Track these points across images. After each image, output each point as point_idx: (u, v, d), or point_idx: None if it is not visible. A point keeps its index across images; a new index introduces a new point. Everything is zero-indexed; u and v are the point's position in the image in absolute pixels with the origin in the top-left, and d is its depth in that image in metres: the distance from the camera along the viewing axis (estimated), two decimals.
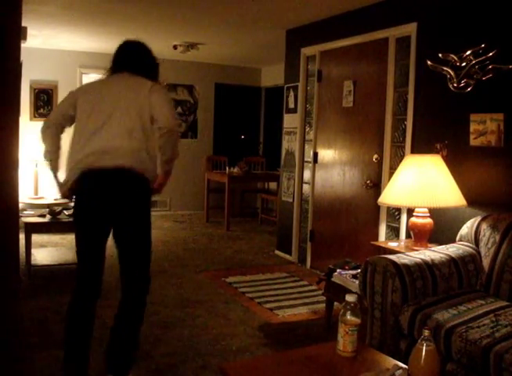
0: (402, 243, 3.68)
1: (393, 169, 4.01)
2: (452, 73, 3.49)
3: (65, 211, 4.79)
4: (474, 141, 3.42)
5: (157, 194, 2.68)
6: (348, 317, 2.00)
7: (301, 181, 5.37)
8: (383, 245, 3.63)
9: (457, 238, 3.14)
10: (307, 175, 5.28)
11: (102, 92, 2.58)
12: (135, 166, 2.45)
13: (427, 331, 1.75)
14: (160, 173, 2.58)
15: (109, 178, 2.46)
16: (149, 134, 2.50)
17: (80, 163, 2.52)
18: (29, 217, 4.71)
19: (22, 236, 4.02)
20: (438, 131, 3.72)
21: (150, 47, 2.74)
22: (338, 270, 3.40)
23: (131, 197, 2.49)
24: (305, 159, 5.30)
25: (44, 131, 2.81)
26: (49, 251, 5.14)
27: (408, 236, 3.83)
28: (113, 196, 2.47)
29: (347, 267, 3.43)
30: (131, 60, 2.65)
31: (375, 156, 4.36)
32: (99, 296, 2.67)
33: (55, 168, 2.79)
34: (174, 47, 6.55)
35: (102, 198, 2.47)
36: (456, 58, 3.45)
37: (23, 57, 3.13)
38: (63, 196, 2.79)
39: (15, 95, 2.79)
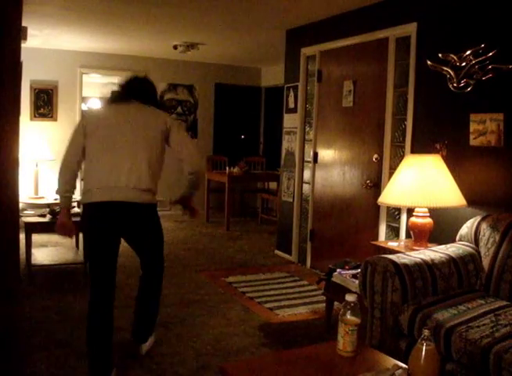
0: (402, 243, 3.68)
1: (393, 169, 4.01)
2: (452, 73, 3.49)
3: None
4: (473, 141, 3.42)
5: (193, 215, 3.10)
6: (348, 317, 2.00)
7: (301, 181, 5.37)
8: (383, 245, 3.63)
9: (457, 238, 3.15)
10: (307, 175, 5.28)
11: (116, 123, 2.74)
12: (146, 200, 2.70)
13: (426, 331, 1.75)
14: (188, 197, 2.96)
15: (122, 211, 2.67)
16: (161, 161, 2.78)
17: (95, 194, 2.69)
18: (29, 217, 4.72)
19: (22, 236, 4.02)
20: (438, 132, 3.72)
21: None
22: (338, 270, 3.40)
23: (142, 222, 2.78)
24: (305, 159, 5.30)
25: (63, 172, 2.80)
26: (49, 250, 5.14)
27: (408, 236, 3.83)
28: (126, 222, 2.72)
29: (347, 267, 3.43)
30: (143, 91, 2.85)
31: (375, 156, 4.36)
32: (114, 299, 2.79)
33: (67, 205, 2.86)
34: (174, 47, 6.55)
35: (115, 223, 2.70)
36: (456, 58, 3.45)
37: (24, 57, 3.12)
38: (66, 227, 2.86)
39: (15, 95, 2.79)
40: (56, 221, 2.89)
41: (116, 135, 2.69)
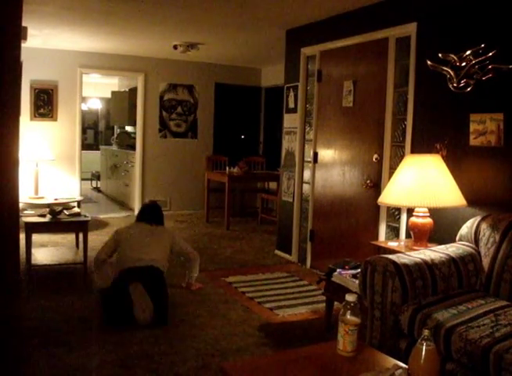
0: (402, 243, 3.68)
1: (393, 169, 4.01)
2: (452, 73, 3.49)
3: (65, 211, 4.79)
4: (473, 141, 3.42)
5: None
6: (348, 317, 2.00)
7: (301, 181, 5.37)
8: (383, 245, 3.63)
9: (457, 238, 3.15)
10: (307, 174, 5.28)
11: (141, 234, 4.02)
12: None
13: (426, 331, 1.75)
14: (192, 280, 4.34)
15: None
16: (167, 260, 4.02)
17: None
18: (29, 217, 4.71)
19: (22, 236, 4.02)
20: (438, 131, 3.72)
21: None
22: (338, 270, 3.40)
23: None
24: (305, 159, 5.31)
25: (99, 265, 4.03)
26: (49, 250, 5.14)
27: (408, 236, 3.83)
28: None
29: (347, 267, 3.43)
30: (155, 216, 4.21)
31: (375, 156, 4.36)
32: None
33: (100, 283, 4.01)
34: (175, 47, 6.55)
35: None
36: (455, 58, 3.45)
37: (24, 57, 3.13)
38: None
39: (15, 95, 2.80)
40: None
41: (142, 241, 3.93)
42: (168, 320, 3.52)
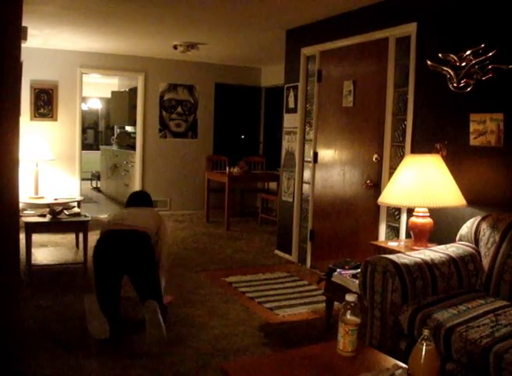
0: (402, 243, 3.68)
1: (393, 169, 4.01)
2: (452, 73, 3.49)
3: (65, 211, 4.79)
4: (473, 141, 3.42)
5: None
6: (348, 317, 2.00)
7: (301, 181, 5.37)
8: (383, 245, 3.63)
9: (457, 238, 3.15)
10: (307, 175, 5.28)
11: (129, 211, 3.83)
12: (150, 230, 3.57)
13: (426, 331, 1.75)
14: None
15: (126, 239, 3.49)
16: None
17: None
18: (29, 217, 4.72)
19: (22, 236, 4.02)
20: (438, 131, 3.72)
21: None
22: (338, 270, 3.40)
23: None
24: (305, 159, 5.31)
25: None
26: (50, 250, 5.15)
27: (408, 235, 3.83)
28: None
29: (347, 267, 3.43)
30: (143, 200, 4.03)
31: (375, 156, 4.36)
32: (120, 323, 3.24)
33: None
34: (175, 47, 6.55)
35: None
36: (455, 58, 3.45)
37: (24, 57, 3.13)
38: None
39: (15, 95, 2.80)
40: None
41: (127, 217, 3.66)
42: (167, 319, 3.35)
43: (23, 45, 3.24)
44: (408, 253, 2.92)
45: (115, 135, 10.73)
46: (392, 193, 3.38)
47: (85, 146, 10.36)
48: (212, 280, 4.61)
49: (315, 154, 5.13)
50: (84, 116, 10.77)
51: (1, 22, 2.61)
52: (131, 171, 8.25)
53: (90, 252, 4.56)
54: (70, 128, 7.24)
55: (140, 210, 3.82)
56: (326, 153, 5.00)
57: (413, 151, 3.93)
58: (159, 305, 3.16)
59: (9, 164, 2.79)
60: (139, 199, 4.04)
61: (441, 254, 2.85)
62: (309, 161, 5.21)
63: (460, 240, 3.12)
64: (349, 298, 2.03)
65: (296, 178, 5.40)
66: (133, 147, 8.34)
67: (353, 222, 4.64)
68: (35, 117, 6.99)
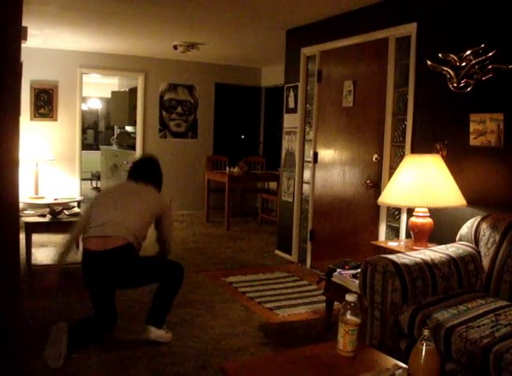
0: (402, 243, 3.68)
1: (393, 169, 4.01)
2: (452, 73, 3.49)
3: (65, 211, 4.79)
4: (473, 141, 3.42)
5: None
6: (348, 317, 2.00)
7: (301, 181, 5.37)
8: (383, 245, 3.63)
9: (457, 238, 3.15)
10: (307, 175, 5.28)
11: (120, 192, 3.37)
12: (130, 240, 3.13)
13: (426, 331, 1.75)
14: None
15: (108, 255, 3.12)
16: (145, 229, 3.26)
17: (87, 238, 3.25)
18: (29, 217, 4.72)
19: (22, 236, 4.02)
20: (438, 131, 3.72)
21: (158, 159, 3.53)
22: (338, 270, 3.40)
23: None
24: (305, 159, 5.31)
25: (71, 240, 3.32)
26: (50, 250, 5.14)
27: (408, 235, 3.83)
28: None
29: (347, 267, 3.43)
30: (147, 173, 3.41)
31: (375, 156, 4.36)
32: (115, 325, 3.18)
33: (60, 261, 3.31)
34: (175, 47, 6.55)
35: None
36: (455, 58, 3.45)
37: (24, 57, 3.13)
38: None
39: (15, 95, 2.80)
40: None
41: (116, 200, 3.26)
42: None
43: (23, 45, 3.24)
44: (408, 253, 2.92)
45: (115, 135, 10.73)
46: (392, 193, 3.38)
47: (85, 146, 10.36)
48: (212, 280, 4.61)
49: (315, 154, 5.13)
50: (84, 116, 10.77)
51: (1, 22, 2.61)
52: None
53: None
54: (70, 128, 7.24)
55: (135, 194, 3.28)
56: (326, 153, 5.00)
57: (413, 151, 3.93)
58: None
59: (9, 164, 2.78)
60: (142, 172, 3.41)
61: (441, 254, 2.85)
62: (309, 161, 5.21)
63: (460, 240, 3.12)
64: (349, 298, 2.03)
65: (296, 178, 5.40)
66: (133, 147, 8.34)
67: (353, 222, 4.64)
68: (35, 117, 6.99)
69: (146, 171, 3.41)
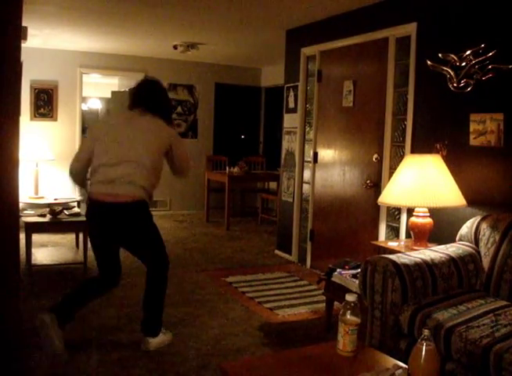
0: (402, 242, 3.68)
1: (393, 169, 4.02)
2: (452, 73, 3.49)
3: (65, 211, 4.79)
4: (473, 141, 3.42)
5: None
6: (348, 317, 2.00)
7: (301, 181, 5.37)
8: (383, 245, 3.63)
9: (457, 238, 3.15)
10: (307, 174, 5.28)
11: (121, 129, 3.00)
12: (140, 195, 2.93)
13: (426, 331, 1.75)
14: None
15: (116, 209, 2.94)
16: (158, 169, 3.01)
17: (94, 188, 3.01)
18: (29, 217, 4.72)
19: (22, 236, 4.02)
20: (438, 131, 3.72)
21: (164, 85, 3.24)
22: (338, 270, 3.40)
23: (131, 219, 3.00)
24: (305, 159, 5.31)
25: (76, 174, 3.12)
26: (50, 250, 5.15)
27: (408, 235, 3.83)
28: (115, 220, 3.00)
29: (347, 267, 3.43)
30: (150, 99, 3.06)
31: (375, 156, 4.36)
32: (117, 285, 3.18)
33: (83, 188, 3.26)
34: (175, 47, 6.55)
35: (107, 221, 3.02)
36: (455, 58, 3.45)
37: (24, 57, 3.12)
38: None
39: (15, 95, 2.79)
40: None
41: (117, 139, 2.95)
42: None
43: (23, 45, 3.24)
44: (408, 253, 2.92)
45: None
46: (392, 193, 3.38)
47: None
48: (212, 280, 4.61)
49: (315, 154, 5.13)
50: (84, 116, 10.74)
51: (1, 22, 2.61)
52: None
53: (90, 252, 4.57)
54: (70, 128, 7.24)
55: (137, 131, 2.95)
56: (326, 153, 5.00)
57: (413, 151, 3.93)
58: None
59: (9, 164, 2.78)
60: (146, 99, 3.04)
61: (441, 254, 2.85)
62: (309, 161, 5.21)
63: (460, 240, 3.12)
64: (349, 298, 2.03)
65: (296, 179, 5.40)
66: None
67: (353, 222, 4.64)
68: (35, 117, 6.99)
69: (148, 96, 3.05)
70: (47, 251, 5.12)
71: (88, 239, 3.22)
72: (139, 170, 2.89)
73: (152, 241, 3.09)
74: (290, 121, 5.52)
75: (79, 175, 3.10)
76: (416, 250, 3.14)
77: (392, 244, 3.58)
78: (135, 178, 2.88)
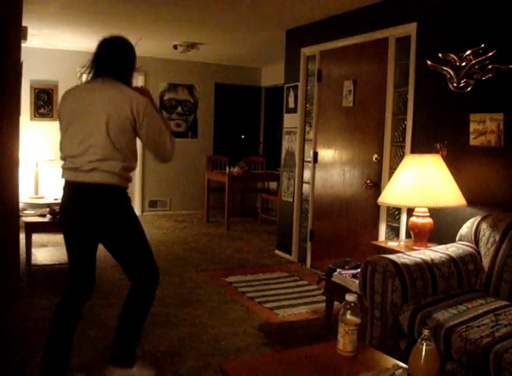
0: (402, 242, 3.68)
1: (393, 169, 4.02)
2: (452, 73, 3.49)
3: None
4: (473, 141, 3.42)
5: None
6: (348, 317, 2.00)
7: (301, 181, 5.37)
8: (383, 245, 3.63)
9: (457, 238, 3.15)
10: (307, 174, 5.28)
11: (83, 102, 2.50)
12: (110, 181, 2.46)
13: (426, 331, 1.75)
14: None
15: (86, 193, 2.49)
16: (130, 146, 2.50)
17: (64, 173, 2.58)
18: (29, 216, 4.72)
19: (22, 236, 4.02)
20: (438, 131, 3.72)
21: (127, 39, 2.64)
22: (338, 270, 3.40)
23: (108, 209, 2.51)
24: (305, 159, 5.31)
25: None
26: (50, 250, 5.14)
27: (408, 235, 3.83)
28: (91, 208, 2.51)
29: (347, 267, 3.43)
30: (112, 64, 2.54)
31: (375, 156, 4.36)
32: (89, 298, 2.69)
33: None
34: (175, 47, 6.55)
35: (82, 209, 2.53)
36: (455, 58, 3.45)
37: (24, 57, 3.12)
38: None
39: (15, 95, 2.79)
40: None
41: (79, 114, 2.47)
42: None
43: (23, 45, 3.23)
44: (408, 253, 2.92)
45: None
46: (392, 193, 3.38)
47: None
48: (212, 280, 4.61)
49: (315, 154, 5.13)
50: None
51: (1, 22, 2.61)
52: None
53: None
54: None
55: (96, 103, 2.44)
56: (326, 153, 5.00)
57: (413, 151, 3.93)
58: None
59: (9, 164, 2.78)
60: (103, 58, 2.56)
61: (441, 254, 2.85)
62: (309, 161, 5.21)
63: (460, 240, 3.12)
64: (349, 298, 2.03)
65: (296, 178, 5.40)
66: None
67: (353, 222, 4.64)
68: (35, 117, 7.00)
69: (110, 59, 2.55)
70: (47, 251, 5.12)
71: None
72: (104, 159, 2.42)
73: (135, 242, 2.58)
74: (290, 120, 5.52)
75: None
76: (416, 250, 3.14)
77: (392, 244, 3.58)
78: (96, 163, 2.41)
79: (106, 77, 2.50)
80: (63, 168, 2.57)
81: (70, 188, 2.52)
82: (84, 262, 2.62)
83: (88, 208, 2.47)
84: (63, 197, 2.58)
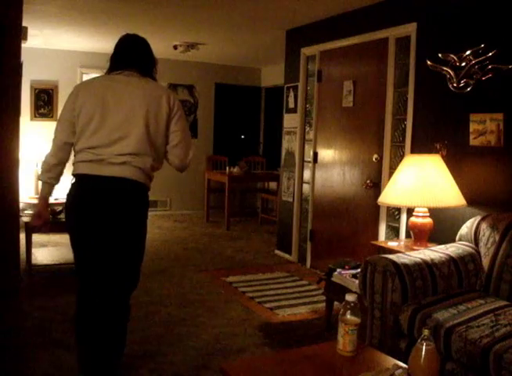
0: (402, 242, 3.68)
1: (393, 169, 4.02)
2: (451, 73, 3.49)
3: None
4: (473, 141, 3.42)
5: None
6: (348, 317, 2.00)
7: (301, 181, 5.37)
8: (383, 245, 3.63)
9: (457, 238, 3.15)
10: (307, 174, 5.28)
11: (114, 93, 2.39)
12: (139, 179, 2.42)
13: (426, 331, 1.75)
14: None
15: (110, 188, 2.38)
16: (163, 145, 2.49)
17: (78, 167, 2.45)
18: (29, 217, 4.71)
19: (22, 236, 4.02)
20: (438, 131, 3.72)
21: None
22: (338, 270, 3.40)
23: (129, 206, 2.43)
24: (305, 159, 5.31)
25: (50, 157, 2.52)
26: (50, 250, 5.14)
27: (408, 235, 3.83)
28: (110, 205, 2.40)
29: (347, 267, 3.43)
30: (139, 59, 2.48)
31: (375, 156, 4.36)
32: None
33: (47, 193, 2.57)
34: (175, 47, 6.55)
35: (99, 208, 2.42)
36: (455, 58, 3.45)
37: (24, 57, 3.13)
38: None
39: (15, 95, 2.80)
40: (34, 211, 2.57)
41: (112, 105, 2.35)
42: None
43: (23, 45, 3.24)
44: (408, 253, 2.92)
45: None
46: (392, 193, 3.38)
47: None
48: (212, 280, 4.61)
49: (315, 154, 5.13)
50: None
51: (1, 22, 2.61)
52: None
53: None
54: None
55: (130, 98, 2.36)
56: (326, 153, 5.00)
57: (413, 151, 3.93)
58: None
59: (9, 164, 2.78)
60: (130, 53, 2.48)
61: (441, 254, 2.85)
62: (309, 161, 5.21)
63: (460, 240, 3.12)
64: (349, 298, 2.03)
65: (296, 179, 5.40)
66: None
67: (353, 222, 4.64)
68: (35, 117, 6.99)
69: (139, 55, 2.47)
70: (47, 251, 5.12)
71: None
72: (137, 154, 2.37)
73: (140, 246, 2.53)
74: (290, 121, 5.52)
75: (63, 152, 2.49)
76: (416, 250, 3.14)
77: (392, 244, 3.58)
78: (129, 156, 2.34)
79: (132, 71, 2.43)
80: (79, 161, 2.38)
81: (89, 183, 2.34)
82: (95, 259, 2.56)
83: (109, 207, 2.32)
84: (75, 195, 2.40)
